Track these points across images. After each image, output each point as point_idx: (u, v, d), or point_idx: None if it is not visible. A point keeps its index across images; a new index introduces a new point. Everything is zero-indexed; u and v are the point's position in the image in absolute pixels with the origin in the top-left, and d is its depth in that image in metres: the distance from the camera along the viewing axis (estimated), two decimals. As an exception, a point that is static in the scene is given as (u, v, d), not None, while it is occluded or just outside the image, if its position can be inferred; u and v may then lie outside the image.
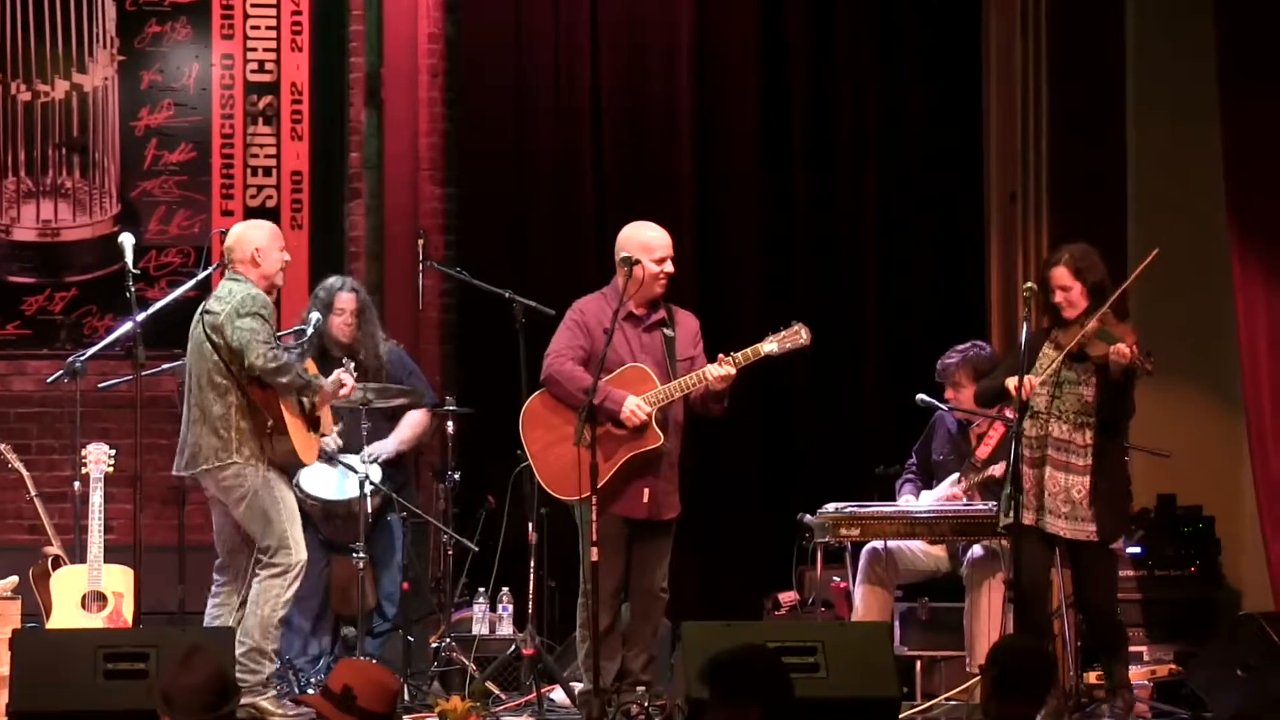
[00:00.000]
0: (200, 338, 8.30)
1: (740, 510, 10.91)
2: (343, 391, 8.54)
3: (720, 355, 8.34)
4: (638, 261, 8.34)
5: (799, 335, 8.40)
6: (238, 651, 8.12)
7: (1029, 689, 5.82)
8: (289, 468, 8.37)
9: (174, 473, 8.49)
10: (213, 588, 8.45)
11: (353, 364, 8.77)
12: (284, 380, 8.20)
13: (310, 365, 8.61)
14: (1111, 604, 8.43)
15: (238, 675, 8.00)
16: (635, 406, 8.25)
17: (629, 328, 8.41)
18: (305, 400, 8.33)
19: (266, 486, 8.20)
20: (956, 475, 9.16)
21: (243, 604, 8.32)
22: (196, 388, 8.30)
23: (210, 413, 8.22)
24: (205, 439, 8.23)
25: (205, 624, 8.31)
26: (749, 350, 8.34)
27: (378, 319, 9.50)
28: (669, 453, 8.40)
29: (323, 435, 8.61)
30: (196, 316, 8.38)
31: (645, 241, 8.46)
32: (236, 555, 8.36)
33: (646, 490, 8.35)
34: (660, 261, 8.42)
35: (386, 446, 9.33)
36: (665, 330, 8.46)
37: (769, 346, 8.38)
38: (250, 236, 8.47)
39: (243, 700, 7.67)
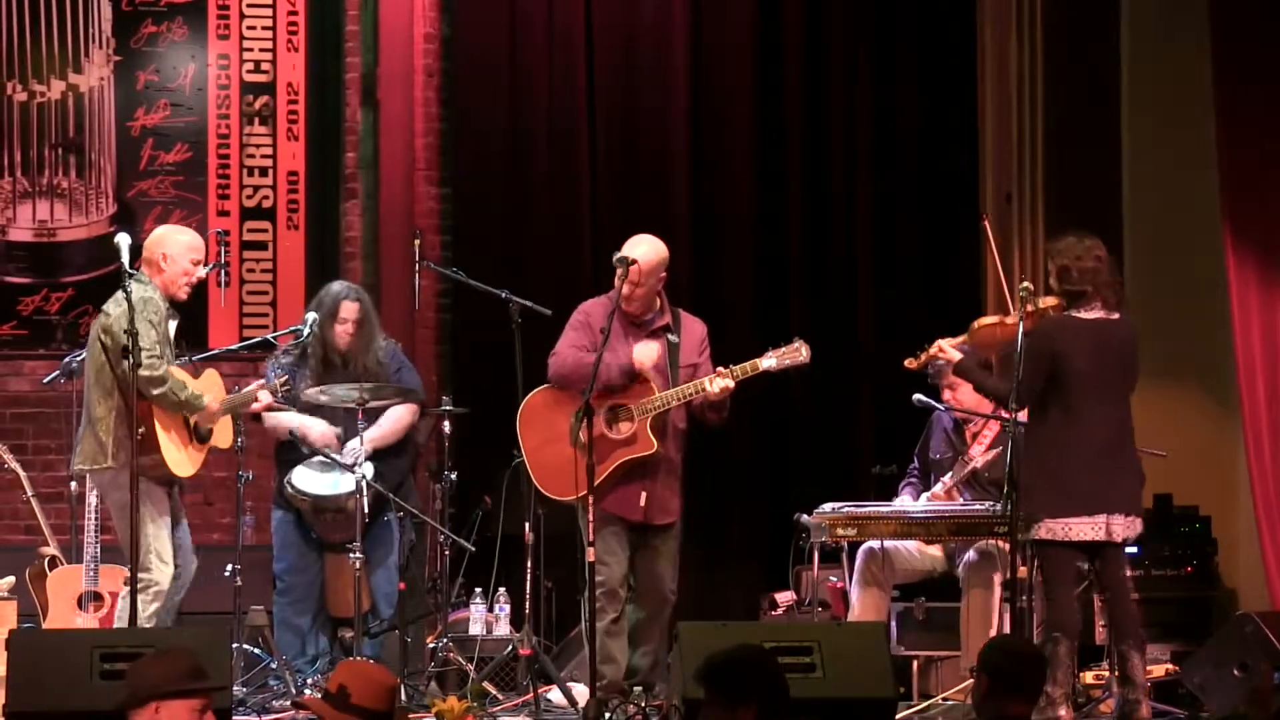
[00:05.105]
0: (92, 336, 8.24)
1: (737, 510, 10.92)
2: (255, 407, 8.54)
3: (719, 368, 8.35)
4: (635, 262, 8.33)
5: (799, 353, 8.39)
6: None
7: (1024, 687, 5.83)
8: (163, 480, 8.21)
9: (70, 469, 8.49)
10: None
11: (282, 380, 8.72)
12: (157, 392, 8.03)
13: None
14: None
15: None
16: (642, 355, 8.25)
17: (632, 332, 8.38)
18: (187, 416, 8.19)
19: (137, 497, 7.86)
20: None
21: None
22: (86, 387, 8.27)
23: (94, 413, 8.17)
24: (88, 440, 8.18)
25: None
26: (748, 365, 8.35)
27: (378, 324, 9.45)
28: (667, 459, 8.39)
29: (216, 446, 8.42)
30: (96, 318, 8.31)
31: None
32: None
33: (644, 494, 8.34)
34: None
35: (356, 445, 9.00)
36: (670, 336, 8.44)
37: (768, 362, 8.38)
38: (164, 239, 8.35)
39: None
